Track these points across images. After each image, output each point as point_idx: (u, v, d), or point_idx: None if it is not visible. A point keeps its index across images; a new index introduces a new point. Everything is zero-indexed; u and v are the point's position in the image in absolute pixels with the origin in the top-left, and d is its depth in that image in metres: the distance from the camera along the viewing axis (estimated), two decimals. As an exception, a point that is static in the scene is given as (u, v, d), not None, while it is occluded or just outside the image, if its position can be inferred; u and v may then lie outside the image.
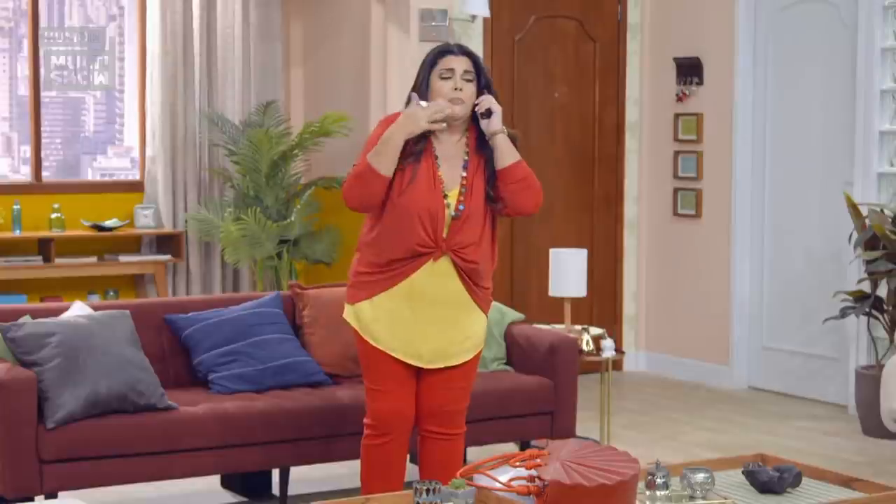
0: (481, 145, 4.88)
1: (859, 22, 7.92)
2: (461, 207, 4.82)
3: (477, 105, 4.84)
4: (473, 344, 4.99)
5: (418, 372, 4.98)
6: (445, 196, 4.82)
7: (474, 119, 4.89)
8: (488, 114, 4.83)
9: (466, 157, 4.88)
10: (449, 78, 4.83)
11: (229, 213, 8.33)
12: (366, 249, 4.92)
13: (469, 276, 4.88)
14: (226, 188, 8.75)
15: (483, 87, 4.88)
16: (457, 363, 4.96)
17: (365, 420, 5.02)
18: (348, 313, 4.96)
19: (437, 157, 4.85)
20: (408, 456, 5.09)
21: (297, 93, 9.22)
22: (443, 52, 4.88)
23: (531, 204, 4.90)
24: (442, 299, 4.87)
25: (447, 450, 5.05)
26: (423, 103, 4.80)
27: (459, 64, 4.84)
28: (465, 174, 4.85)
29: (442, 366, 4.94)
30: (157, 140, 8.59)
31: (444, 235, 4.82)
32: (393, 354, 4.90)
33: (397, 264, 4.84)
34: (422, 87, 4.87)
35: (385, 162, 4.74)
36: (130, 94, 8.91)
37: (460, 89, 4.82)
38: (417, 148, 4.80)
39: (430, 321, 4.88)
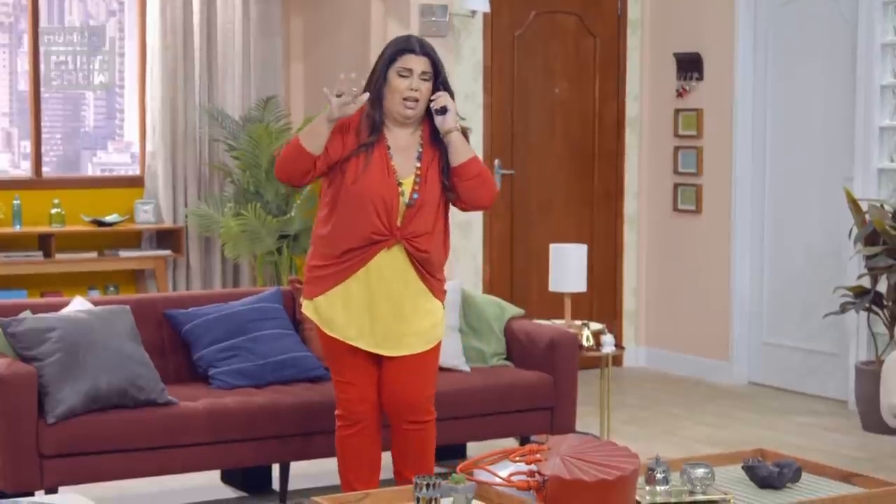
0: (435, 138, 4.99)
1: (859, 17, 7.92)
2: (415, 196, 4.93)
3: (432, 101, 4.94)
4: (434, 331, 5.06)
5: (380, 362, 5.06)
6: (400, 184, 4.92)
7: (429, 114, 4.99)
8: (443, 111, 4.93)
9: (420, 149, 4.98)
10: (406, 77, 4.92)
11: (229, 209, 8.33)
12: (319, 243, 5.01)
13: (422, 265, 4.98)
14: (226, 183, 8.75)
15: (440, 84, 4.98)
16: (416, 351, 5.03)
17: (336, 412, 5.14)
18: (307, 308, 5.06)
19: (389, 148, 4.95)
20: (381, 446, 5.17)
21: (297, 88, 9.21)
22: (403, 49, 4.95)
23: (486, 198, 5.04)
24: (397, 287, 4.96)
25: (419, 438, 5.12)
26: (334, 100, 4.85)
27: (418, 64, 4.93)
28: (419, 164, 4.96)
29: (402, 353, 5.01)
30: (158, 135, 8.59)
31: (399, 224, 4.91)
32: (352, 343, 4.99)
33: (352, 254, 4.93)
34: (379, 80, 4.95)
35: (313, 142, 4.87)
36: (130, 90, 8.91)
37: (416, 90, 4.91)
38: (370, 139, 4.91)
39: (386, 309, 4.97)
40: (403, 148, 4.98)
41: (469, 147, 5.00)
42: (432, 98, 4.95)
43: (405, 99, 4.92)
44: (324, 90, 4.89)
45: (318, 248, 5.01)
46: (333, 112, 4.85)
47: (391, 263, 4.95)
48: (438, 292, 5.08)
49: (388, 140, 4.96)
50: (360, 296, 4.96)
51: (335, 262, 4.95)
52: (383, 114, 4.97)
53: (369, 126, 4.94)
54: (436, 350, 5.12)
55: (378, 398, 5.10)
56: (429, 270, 5.01)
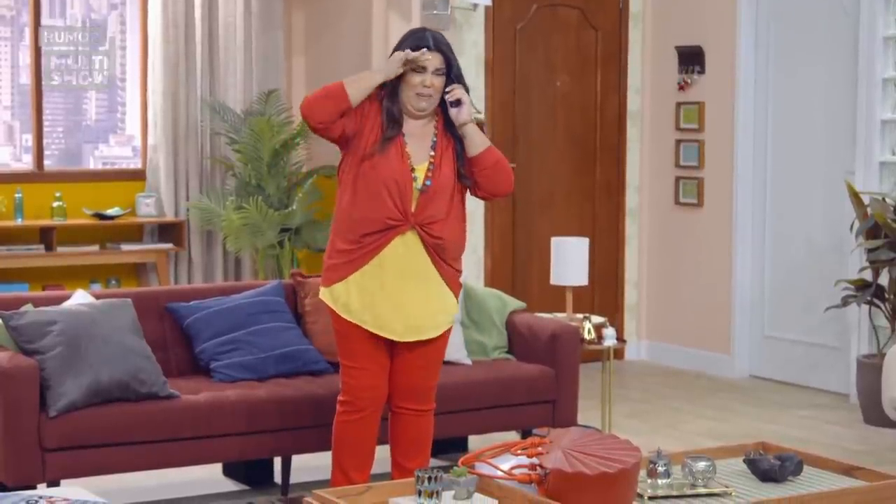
0: (449, 128, 5.07)
1: (861, 10, 7.91)
2: (428, 182, 4.98)
3: (447, 94, 5.01)
4: (444, 318, 5.11)
5: (391, 349, 5.10)
6: (413, 170, 4.98)
7: (442, 106, 5.06)
8: (458, 104, 5.01)
9: (435, 138, 5.05)
10: (420, 73, 4.97)
11: (231, 202, 8.33)
12: (337, 234, 5.05)
13: (436, 252, 5.02)
14: (227, 177, 8.75)
15: (454, 77, 5.05)
16: (429, 337, 5.08)
17: (339, 398, 5.14)
18: (324, 294, 5.10)
19: (404, 135, 5.00)
20: (378, 437, 5.20)
21: (298, 81, 9.22)
22: (419, 46, 5.00)
23: (505, 185, 5.15)
24: (411, 273, 5.01)
25: (418, 426, 5.20)
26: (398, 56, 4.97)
27: (432, 61, 4.99)
28: (433, 152, 5.02)
29: (415, 339, 5.06)
30: (159, 129, 8.59)
31: (413, 209, 4.95)
32: (367, 328, 5.02)
33: (369, 238, 4.97)
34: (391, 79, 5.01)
35: (356, 92, 4.91)
36: (132, 83, 8.91)
37: (429, 84, 4.98)
38: (390, 134, 4.96)
39: (401, 295, 5.01)
40: (418, 136, 5.03)
41: (484, 137, 5.07)
42: (447, 90, 5.01)
43: (419, 94, 4.97)
44: (398, 54, 4.94)
45: (336, 236, 5.06)
46: (391, 70, 4.92)
47: (406, 250, 4.99)
48: (453, 282, 5.12)
49: (404, 128, 5.02)
50: (375, 282, 5.00)
51: (352, 248, 4.99)
52: (400, 107, 5.01)
53: (389, 121, 4.99)
54: (445, 339, 5.17)
55: (386, 387, 5.13)
56: (443, 258, 5.05)
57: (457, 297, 5.17)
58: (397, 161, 4.95)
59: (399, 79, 4.99)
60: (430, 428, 5.23)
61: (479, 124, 5.13)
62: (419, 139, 5.03)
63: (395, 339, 5.06)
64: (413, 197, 4.96)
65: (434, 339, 5.11)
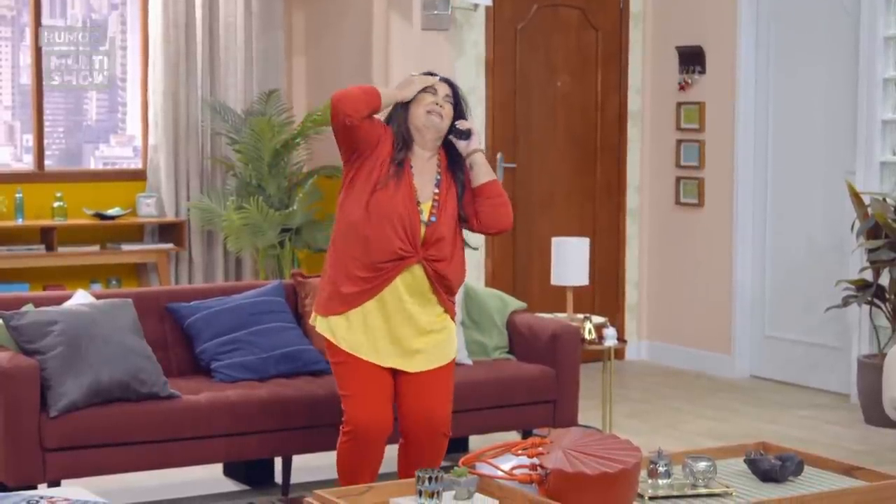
0: (452, 166, 5.11)
1: (862, 10, 7.91)
2: (433, 219, 5.00)
3: (458, 124, 5.08)
4: (449, 347, 5.10)
5: (396, 381, 5.05)
6: (419, 203, 4.99)
7: (445, 143, 5.11)
8: (468, 134, 5.09)
9: (439, 176, 5.07)
10: (431, 93, 5.06)
11: (231, 202, 8.33)
12: (351, 259, 4.96)
13: (441, 287, 5.04)
14: (228, 177, 8.75)
15: (461, 115, 5.12)
16: (435, 366, 5.04)
17: (343, 427, 5.03)
18: (321, 325, 5.03)
19: (412, 167, 5.03)
20: (383, 455, 5.12)
21: (299, 81, 9.21)
22: (426, 74, 5.16)
23: (505, 220, 5.14)
24: (414, 305, 5.00)
25: (431, 454, 5.09)
26: (413, 73, 5.16)
27: (442, 89, 5.09)
28: (437, 190, 5.05)
29: (422, 368, 5.02)
30: (160, 129, 8.59)
31: (420, 243, 4.97)
32: (369, 360, 4.97)
33: (381, 267, 4.93)
34: (403, 103, 5.07)
35: (385, 99, 4.98)
36: (133, 83, 8.91)
37: (440, 105, 5.04)
38: (400, 156, 4.99)
39: (405, 325, 4.99)
40: (423, 172, 5.04)
41: (491, 170, 5.14)
42: (457, 123, 5.07)
43: (430, 112, 5.01)
44: (411, 74, 5.14)
45: (342, 263, 4.99)
46: (407, 89, 5.02)
47: (410, 283, 4.98)
48: (452, 311, 5.13)
49: (412, 161, 5.03)
50: (378, 315, 4.97)
51: (371, 276, 4.94)
52: (410, 135, 5.04)
53: (399, 142, 5.01)
54: (452, 367, 5.13)
55: (391, 419, 5.04)
56: (447, 293, 5.07)
57: (455, 322, 5.17)
58: (404, 194, 4.94)
59: (408, 106, 5.04)
60: (442, 454, 5.13)
61: None
62: (423, 175, 5.04)
63: (401, 368, 5.01)
64: (420, 231, 4.97)
65: (441, 368, 5.06)
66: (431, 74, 5.14)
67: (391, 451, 5.28)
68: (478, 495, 4.11)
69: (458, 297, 6.46)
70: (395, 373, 5.05)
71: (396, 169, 4.96)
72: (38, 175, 8.48)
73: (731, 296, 8.75)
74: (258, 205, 8.15)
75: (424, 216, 4.98)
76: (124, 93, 9.01)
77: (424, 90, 5.03)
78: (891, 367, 6.31)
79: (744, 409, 7.84)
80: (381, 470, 5.24)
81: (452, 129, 5.07)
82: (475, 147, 5.08)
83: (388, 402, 5.04)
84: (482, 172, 5.08)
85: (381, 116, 5.07)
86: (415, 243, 4.95)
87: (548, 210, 8.99)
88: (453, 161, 5.10)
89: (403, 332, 4.99)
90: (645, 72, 9.26)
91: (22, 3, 8.52)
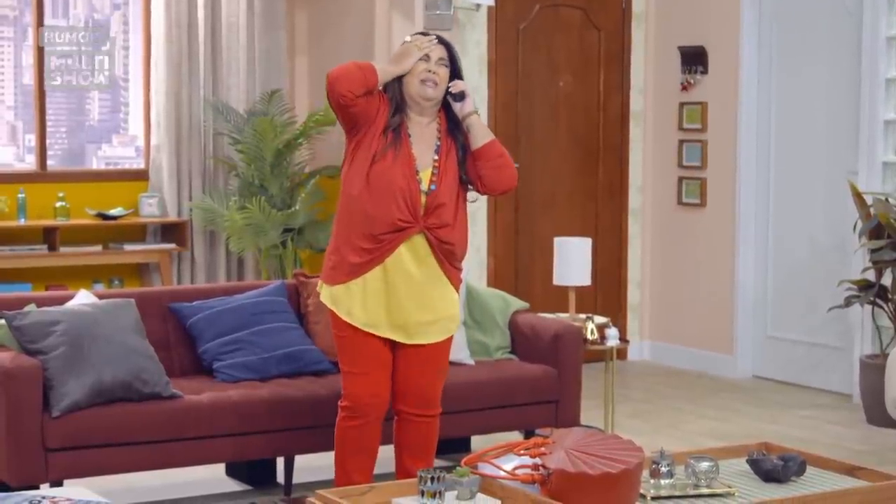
0: (452, 129, 5.09)
1: (864, 10, 7.91)
2: (432, 187, 4.99)
3: (451, 86, 5.05)
4: (449, 321, 5.12)
5: (394, 353, 5.09)
6: (417, 173, 4.98)
7: (444, 105, 5.09)
8: (461, 96, 5.05)
9: (438, 142, 5.06)
10: (425, 61, 5.02)
11: (234, 202, 8.34)
12: (352, 230, 4.99)
13: (444, 255, 5.03)
14: (230, 177, 8.76)
15: (456, 74, 5.09)
16: (435, 340, 5.07)
17: (340, 403, 5.12)
18: (325, 296, 5.07)
19: (410, 136, 5.02)
20: (381, 439, 5.18)
21: (301, 81, 9.22)
22: (420, 36, 5.12)
23: (509, 179, 5.13)
24: (417, 276, 5.01)
25: (424, 431, 5.17)
26: (408, 38, 5.11)
27: (435, 51, 5.04)
28: (436, 157, 5.03)
29: (421, 342, 5.05)
30: (162, 129, 8.59)
31: (421, 213, 4.97)
32: (371, 331, 5.01)
33: (381, 238, 4.95)
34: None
35: (382, 74, 4.97)
36: (135, 83, 8.91)
37: (434, 72, 5.01)
38: (395, 121, 4.98)
39: (407, 297, 5.00)
40: (422, 139, 5.04)
41: (488, 130, 5.11)
42: (450, 85, 5.04)
43: (423, 81, 4.99)
44: (406, 39, 5.10)
45: (345, 235, 5.03)
46: (407, 60, 4.99)
47: (412, 253, 4.99)
48: (456, 281, 5.13)
49: (409, 129, 5.03)
50: (379, 285, 4.99)
51: (373, 247, 4.97)
52: (405, 102, 5.04)
53: (392, 110, 5.01)
54: (449, 343, 5.17)
55: (388, 394, 5.10)
56: (451, 261, 5.07)
57: (458, 293, 5.17)
58: (403, 165, 4.95)
59: (404, 75, 5.02)
60: (435, 432, 5.20)
61: None
62: (423, 142, 5.03)
63: (402, 340, 5.04)
64: (421, 201, 4.97)
65: (438, 343, 5.10)
66: (425, 34, 5.09)
67: (387, 452, 5.29)
68: (480, 495, 4.11)
69: (461, 296, 6.47)
70: (394, 346, 5.07)
71: (394, 138, 4.96)
72: (41, 175, 8.49)
73: (734, 296, 8.75)
74: (260, 205, 8.15)
75: (424, 185, 4.98)
76: (126, 93, 9.02)
77: (419, 59, 5.00)
78: (893, 368, 6.31)
79: (746, 409, 7.84)
80: (381, 470, 5.26)
81: (447, 92, 5.05)
82: (469, 110, 5.05)
83: (387, 378, 5.09)
84: (479, 134, 5.05)
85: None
86: (415, 213, 4.96)
87: (550, 210, 8.99)
88: (453, 123, 5.08)
89: (405, 303, 5.00)
90: (647, 72, 9.25)
91: (24, 3, 8.52)
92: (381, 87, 5.04)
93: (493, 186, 5.09)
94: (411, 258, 4.99)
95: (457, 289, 5.14)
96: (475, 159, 5.05)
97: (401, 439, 5.20)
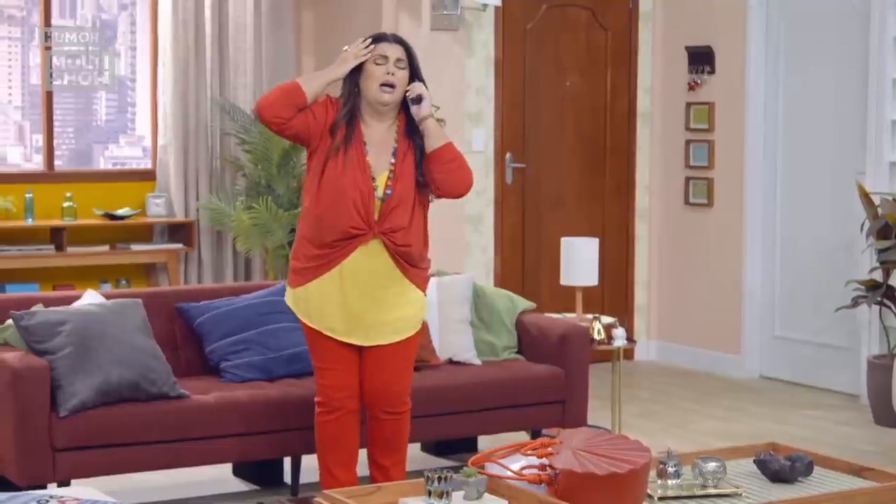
0: (410, 132, 5.08)
1: (871, 10, 7.90)
2: (388, 192, 5.00)
3: (408, 91, 5.03)
4: (410, 322, 5.15)
5: (360, 353, 5.14)
6: (373, 179, 5.00)
7: (404, 106, 5.08)
8: (419, 100, 5.03)
9: (396, 144, 5.06)
10: (382, 64, 5.01)
11: (241, 202, 8.34)
12: (305, 237, 5.09)
13: (401, 258, 5.06)
14: (237, 177, 8.76)
15: (414, 75, 5.08)
16: (394, 340, 5.11)
17: (315, 398, 5.20)
18: (288, 297, 5.17)
19: (365, 143, 5.03)
20: (360, 434, 5.23)
21: (308, 82, 9.21)
22: (377, 39, 5.08)
23: (463, 184, 5.11)
24: (374, 280, 5.04)
25: (393, 428, 5.22)
26: (347, 47, 5.06)
27: (393, 52, 5.05)
28: (393, 160, 5.04)
29: (380, 342, 5.09)
30: (169, 129, 8.60)
31: (376, 218, 4.99)
32: (329, 334, 5.07)
33: (334, 245, 4.99)
34: (355, 71, 5.05)
35: (312, 87, 4.99)
36: (142, 84, 8.92)
37: (392, 74, 5.00)
38: (347, 129, 4.97)
39: (363, 301, 5.04)
40: (378, 143, 5.05)
41: (444, 133, 5.08)
42: (408, 88, 5.03)
43: (382, 85, 5.00)
44: (344, 48, 5.05)
45: (305, 239, 5.10)
46: (340, 68, 5.00)
47: (368, 258, 5.02)
48: (421, 281, 5.16)
49: (365, 135, 5.04)
50: (335, 290, 5.04)
51: (323, 253, 5.03)
52: (361, 106, 5.04)
53: (345, 115, 5.01)
54: (414, 341, 5.20)
55: (358, 386, 5.16)
56: (408, 262, 5.09)
57: (425, 292, 5.19)
58: (358, 172, 4.97)
59: (360, 77, 5.01)
60: (406, 427, 5.25)
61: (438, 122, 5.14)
62: (379, 146, 5.04)
63: (359, 343, 5.10)
64: (375, 206, 4.99)
65: (400, 342, 5.13)
66: (378, 39, 5.05)
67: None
68: (487, 495, 4.11)
69: (468, 296, 6.47)
70: (358, 346, 5.12)
71: (345, 147, 4.97)
72: (48, 175, 8.50)
73: (741, 296, 8.75)
74: (267, 205, 8.15)
75: (379, 191, 5.00)
76: (134, 93, 9.02)
77: (375, 62, 4.99)
78: (901, 368, 6.30)
79: (753, 409, 7.84)
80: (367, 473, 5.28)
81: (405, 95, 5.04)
82: (426, 114, 5.02)
83: (354, 372, 5.15)
84: (434, 137, 5.03)
85: (337, 93, 5.08)
86: (368, 220, 4.98)
87: (557, 210, 8.98)
88: (412, 126, 5.08)
89: (360, 306, 5.04)
90: (654, 72, 9.25)
91: (31, 3, 8.53)
92: (340, 95, 5.04)
93: (446, 190, 5.09)
94: (367, 261, 5.02)
95: (421, 288, 5.16)
96: (429, 162, 5.04)
97: (372, 436, 5.26)
